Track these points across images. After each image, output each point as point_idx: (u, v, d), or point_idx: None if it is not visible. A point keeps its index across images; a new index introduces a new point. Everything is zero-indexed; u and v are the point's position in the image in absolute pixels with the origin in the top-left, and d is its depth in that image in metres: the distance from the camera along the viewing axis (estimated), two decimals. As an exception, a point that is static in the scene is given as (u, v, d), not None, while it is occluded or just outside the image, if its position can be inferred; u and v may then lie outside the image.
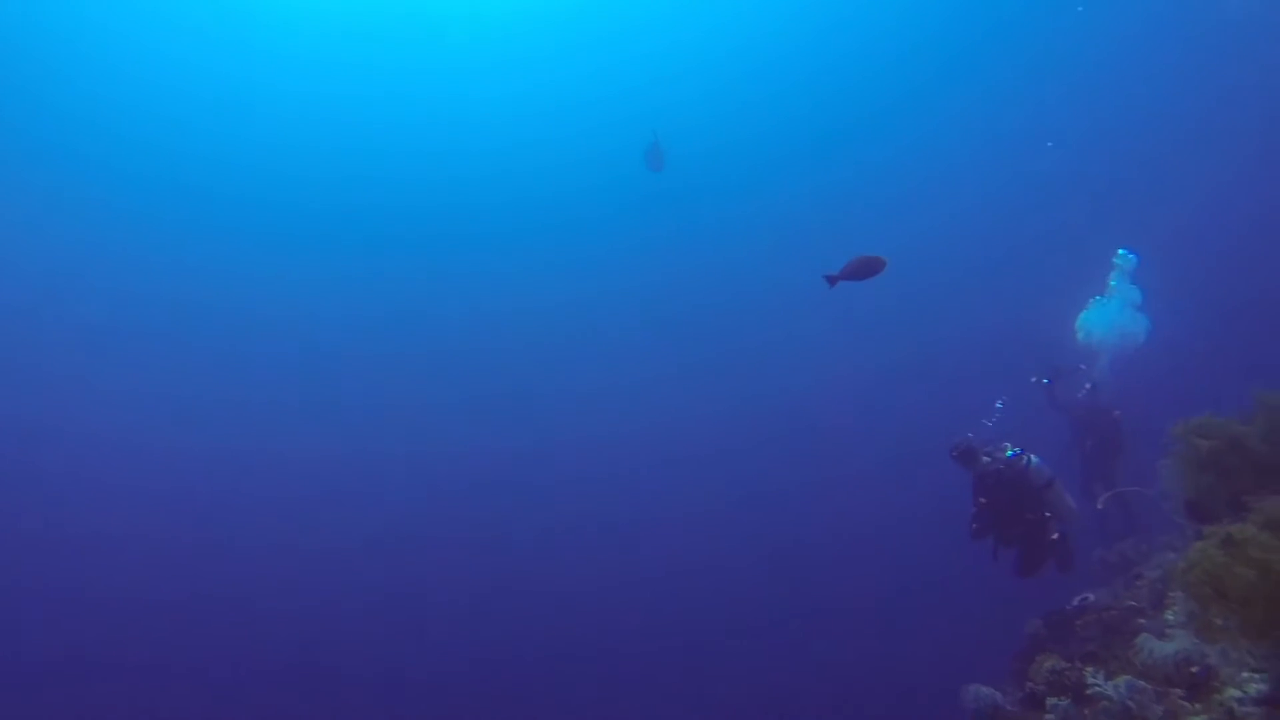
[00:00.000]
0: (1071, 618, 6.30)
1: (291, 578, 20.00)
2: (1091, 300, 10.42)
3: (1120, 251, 10.33)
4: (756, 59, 24.48)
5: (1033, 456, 6.65)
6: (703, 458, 21.85)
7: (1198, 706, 3.52)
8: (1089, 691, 3.82)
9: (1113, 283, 10.32)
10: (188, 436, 24.17)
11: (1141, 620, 5.50)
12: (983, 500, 6.76)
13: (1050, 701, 4.20)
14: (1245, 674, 3.44)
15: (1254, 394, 4.39)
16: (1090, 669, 3.88)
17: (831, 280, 5.64)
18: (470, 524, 21.48)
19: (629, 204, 25.99)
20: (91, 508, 22.18)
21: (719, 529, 19.30)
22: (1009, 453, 6.70)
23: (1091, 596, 6.47)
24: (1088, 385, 9.07)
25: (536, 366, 25.74)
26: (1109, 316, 10.03)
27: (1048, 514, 6.72)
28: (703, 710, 13.68)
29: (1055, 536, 6.78)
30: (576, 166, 26.08)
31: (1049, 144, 20.96)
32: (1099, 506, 7.39)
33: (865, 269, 5.52)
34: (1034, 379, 9.04)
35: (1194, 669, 3.74)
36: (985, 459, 6.77)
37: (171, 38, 22.35)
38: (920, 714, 6.41)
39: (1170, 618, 4.82)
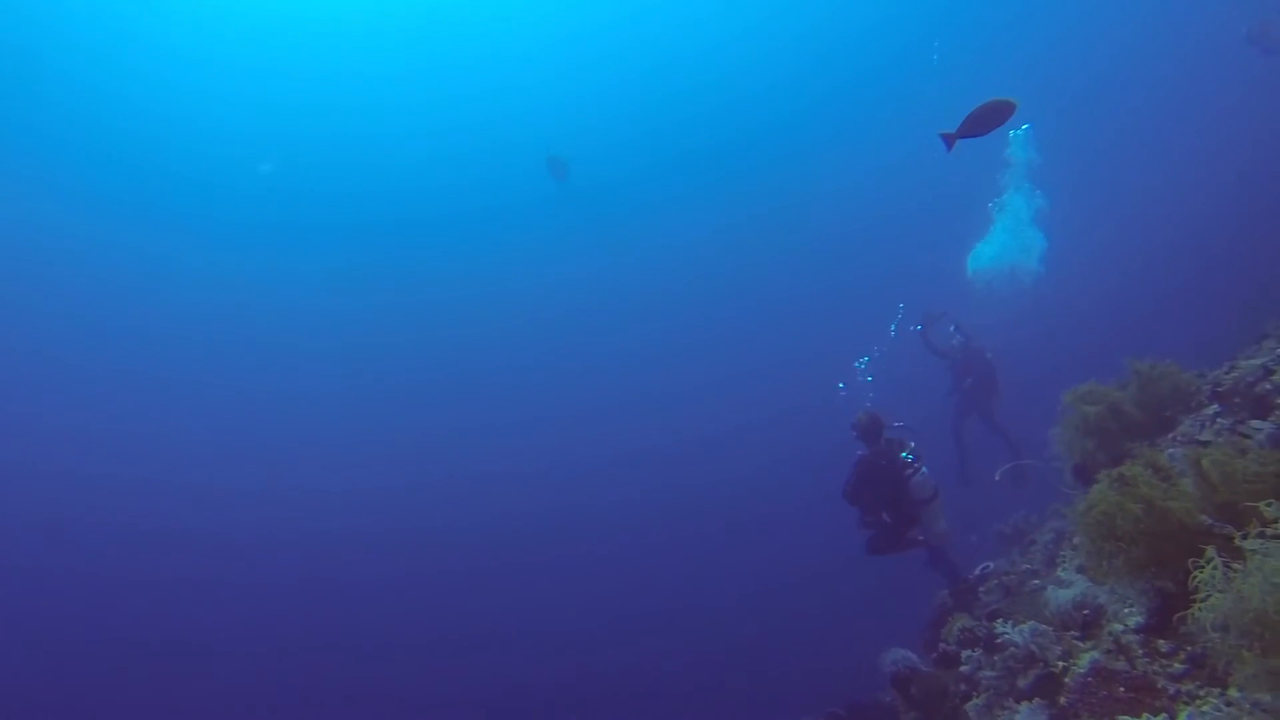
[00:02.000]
0: (975, 585, 6.74)
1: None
2: (992, 207, 10.73)
3: (1013, 134, 10.64)
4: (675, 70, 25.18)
5: (923, 469, 6.55)
6: (625, 451, 22.13)
7: (1089, 644, 3.86)
8: (998, 640, 4.10)
9: (1000, 201, 10.67)
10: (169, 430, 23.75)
11: (1036, 581, 5.98)
12: (850, 483, 6.66)
13: (964, 654, 4.48)
14: (1126, 610, 3.81)
15: (1127, 362, 4.86)
16: (1000, 621, 4.16)
17: (949, 140, 4.61)
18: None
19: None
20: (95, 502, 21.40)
21: (640, 518, 19.52)
22: (905, 454, 6.57)
23: (991, 565, 6.95)
24: (953, 329, 9.75)
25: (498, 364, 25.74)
26: (998, 258, 10.53)
27: (916, 524, 6.65)
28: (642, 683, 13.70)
29: (920, 538, 6.78)
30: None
31: (934, 57, 21.13)
32: (995, 479, 7.93)
33: (991, 117, 4.49)
34: (912, 327, 9.66)
35: (1085, 611, 4.09)
36: (885, 443, 6.64)
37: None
38: (843, 683, 6.66)
39: (1063, 574, 5.26)
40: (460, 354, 26.37)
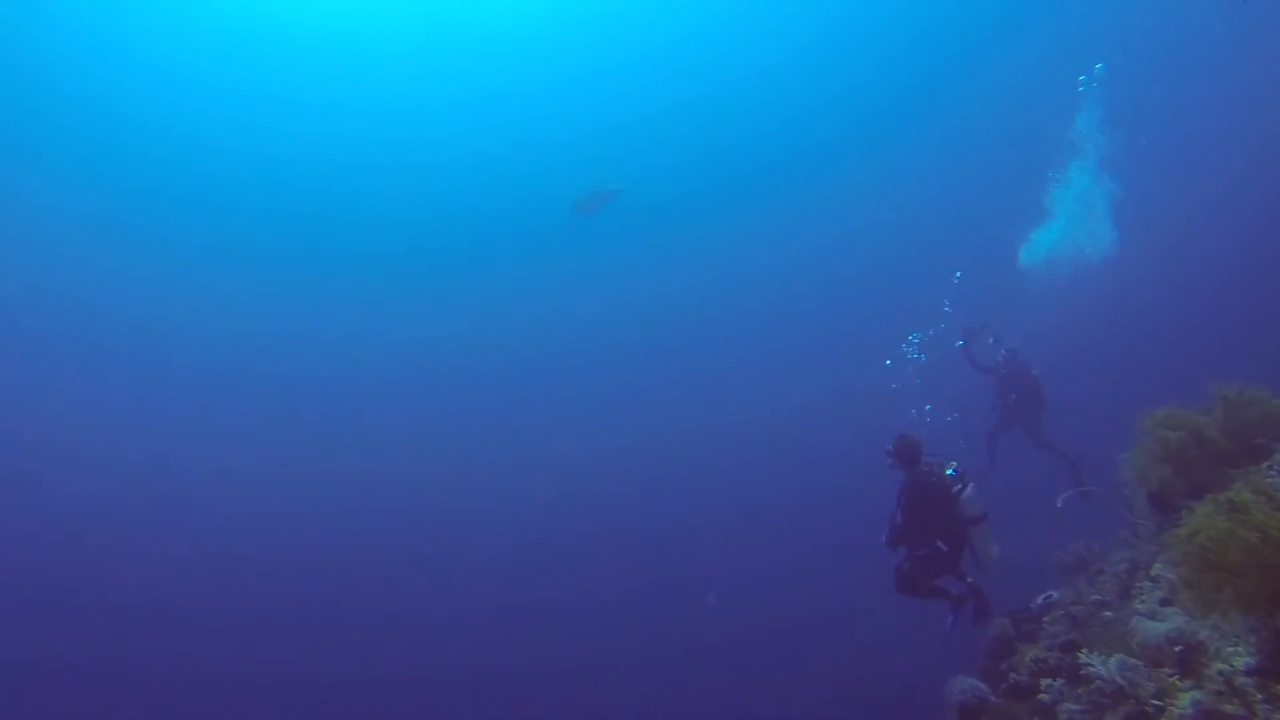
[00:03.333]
0: (1038, 615, 6.47)
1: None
2: (1051, 180, 10.26)
3: (1082, 79, 10.21)
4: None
5: (971, 485, 6.15)
6: (683, 472, 22.00)
7: (1189, 682, 3.65)
8: (1083, 671, 3.91)
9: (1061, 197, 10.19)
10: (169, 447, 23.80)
11: (1108, 613, 5.72)
12: (897, 523, 6.21)
13: (1044, 682, 4.29)
14: (1230, 648, 3.60)
15: (1212, 387, 4.67)
16: (1084, 650, 3.97)
17: None
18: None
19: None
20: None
21: (702, 542, 19.28)
22: (949, 470, 6.18)
23: (1055, 594, 6.67)
24: (991, 340, 9.59)
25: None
26: (1057, 249, 10.07)
27: (964, 546, 6.16)
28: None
29: (951, 593, 6.33)
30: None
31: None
32: (1058, 505, 7.66)
33: None
34: (957, 344, 9.51)
35: (1179, 647, 3.88)
36: (925, 466, 6.22)
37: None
38: (901, 712, 6.40)
39: (1141, 607, 5.02)
40: (487, 361, 26.52)
